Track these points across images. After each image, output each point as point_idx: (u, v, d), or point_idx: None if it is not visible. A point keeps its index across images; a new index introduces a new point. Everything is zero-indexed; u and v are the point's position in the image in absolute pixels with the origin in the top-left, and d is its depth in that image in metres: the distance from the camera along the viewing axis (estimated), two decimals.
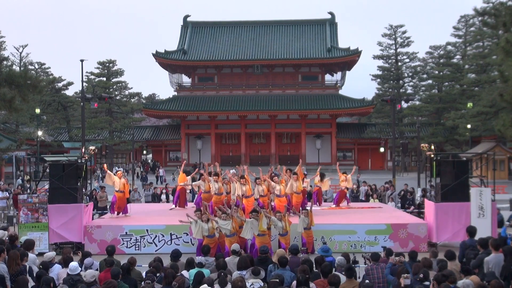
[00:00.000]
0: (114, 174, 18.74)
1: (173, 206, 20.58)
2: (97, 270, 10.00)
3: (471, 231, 11.59)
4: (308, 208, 15.80)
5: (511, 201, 25.63)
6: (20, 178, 38.28)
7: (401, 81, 59.28)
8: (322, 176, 20.74)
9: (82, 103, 33.29)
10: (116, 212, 18.45)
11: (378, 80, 60.40)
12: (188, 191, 24.80)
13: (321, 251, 11.55)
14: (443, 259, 9.82)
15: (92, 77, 59.75)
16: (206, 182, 18.07)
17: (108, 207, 22.44)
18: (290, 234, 15.02)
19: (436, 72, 57.50)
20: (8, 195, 24.41)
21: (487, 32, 47.43)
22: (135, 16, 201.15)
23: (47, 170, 17.67)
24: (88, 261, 10.06)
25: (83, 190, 17.66)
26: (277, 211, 15.73)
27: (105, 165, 20.32)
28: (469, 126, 46.23)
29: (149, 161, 62.05)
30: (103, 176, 47.51)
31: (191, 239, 16.20)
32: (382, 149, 57.01)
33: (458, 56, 58.82)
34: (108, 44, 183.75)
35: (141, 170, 52.64)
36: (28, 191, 24.01)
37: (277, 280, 8.43)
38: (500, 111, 37.84)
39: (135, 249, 16.25)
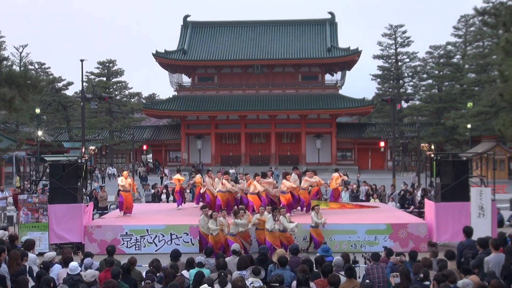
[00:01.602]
0: (119, 175, 18.80)
1: (180, 206, 20.58)
2: (97, 270, 10.00)
3: (468, 231, 11.58)
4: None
5: (511, 201, 25.66)
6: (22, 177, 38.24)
7: (401, 81, 59.27)
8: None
9: (82, 103, 33.29)
10: (123, 212, 18.56)
11: (378, 80, 60.41)
12: (188, 190, 24.94)
13: (321, 251, 11.56)
14: (443, 259, 9.83)
15: (92, 77, 59.77)
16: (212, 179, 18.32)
17: (108, 207, 22.49)
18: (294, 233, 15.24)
19: (436, 72, 57.47)
20: (7, 194, 24.43)
21: (487, 32, 47.38)
22: (135, 16, 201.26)
23: (47, 170, 17.68)
24: (87, 261, 10.05)
25: (83, 190, 17.68)
26: (281, 206, 15.94)
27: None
28: (469, 126, 46.19)
29: (149, 161, 62.03)
30: (102, 176, 47.69)
31: (191, 239, 16.23)
32: (382, 148, 56.98)
33: (458, 56, 58.82)
34: (108, 44, 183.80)
35: (143, 169, 52.67)
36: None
37: (277, 284, 8.42)
38: (500, 111, 37.81)
39: (135, 249, 16.26)
